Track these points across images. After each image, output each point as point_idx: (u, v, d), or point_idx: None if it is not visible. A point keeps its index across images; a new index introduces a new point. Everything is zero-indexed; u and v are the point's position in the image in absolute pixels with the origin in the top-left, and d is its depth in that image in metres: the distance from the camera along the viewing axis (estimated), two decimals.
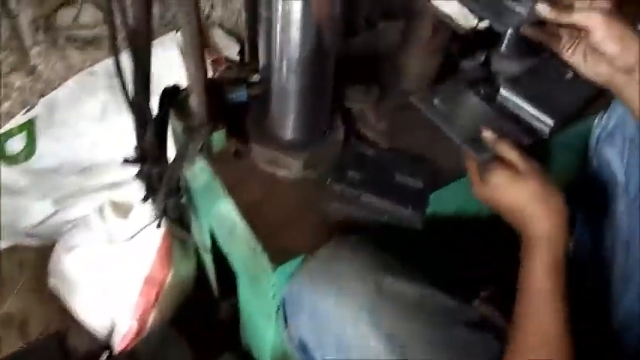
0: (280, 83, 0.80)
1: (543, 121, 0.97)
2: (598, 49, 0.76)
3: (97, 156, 1.43)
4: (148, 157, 0.95)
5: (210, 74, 1.65)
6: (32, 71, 1.48)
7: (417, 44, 0.96)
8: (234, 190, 0.86)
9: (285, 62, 0.77)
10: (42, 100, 1.50)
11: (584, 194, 1.16)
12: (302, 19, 0.71)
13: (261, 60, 0.81)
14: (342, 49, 1.03)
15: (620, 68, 0.76)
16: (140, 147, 0.94)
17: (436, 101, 1.00)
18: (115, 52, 0.77)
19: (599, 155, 1.09)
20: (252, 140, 0.88)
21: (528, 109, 0.98)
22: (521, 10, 0.82)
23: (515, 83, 1.01)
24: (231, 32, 1.74)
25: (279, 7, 0.70)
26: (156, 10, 1.57)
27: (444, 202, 0.94)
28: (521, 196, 0.77)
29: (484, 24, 0.81)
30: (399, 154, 0.95)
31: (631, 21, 0.77)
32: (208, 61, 1.64)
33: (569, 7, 0.78)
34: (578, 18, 0.76)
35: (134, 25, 0.75)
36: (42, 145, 1.45)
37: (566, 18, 0.77)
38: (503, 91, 1.01)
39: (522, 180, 0.77)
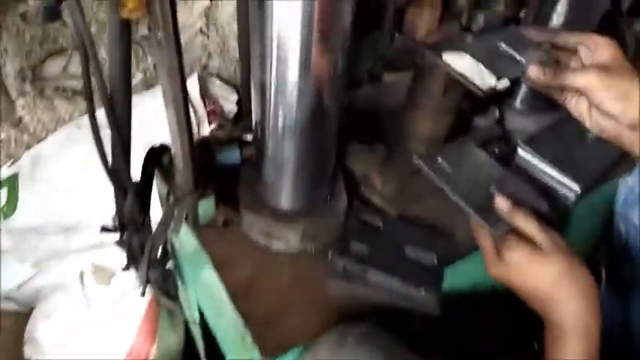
0: (275, 148, 0.72)
1: (568, 187, 0.88)
2: (600, 108, 0.69)
3: (80, 214, 1.34)
4: (128, 225, 0.85)
5: (207, 126, 1.58)
6: (18, 123, 1.40)
7: (426, 102, 0.87)
8: (222, 267, 0.76)
9: (280, 126, 0.68)
10: (27, 153, 1.43)
11: (612, 262, 1.06)
12: (299, 80, 0.62)
13: (254, 118, 0.72)
14: (343, 104, 0.95)
15: (626, 125, 0.68)
16: (119, 214, 0.85)
17: (440, 160, 0.86)
18: (92, 118, 0.68)
19: (626, 220, 1.00)
20: (243, 208, 0.79)
21: (551, 173, 0.89)
22: (522, 59, 0.75)
23: (533, 143, 0.93)
24: (229, 82, 1.69)
25: (274, 68, 0.62)
26: (150, 59, 1.51)
27: (459, 277, 0.83)
28: (545, 277, 0.67)
29: (504, 83, 0.72)
30: (409, 224, 0.85)
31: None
32: (205, 112, 1.57)
33: (564, 68, 0.72)
34: (573, 80, 0.69)
35: (112, 88, 0.67)
36: (24, 201, 1.36)
37: (560, 81, 0.70)
38: (521, 152, 0.92)
39: (545, 258, 0.67)
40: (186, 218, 0.80)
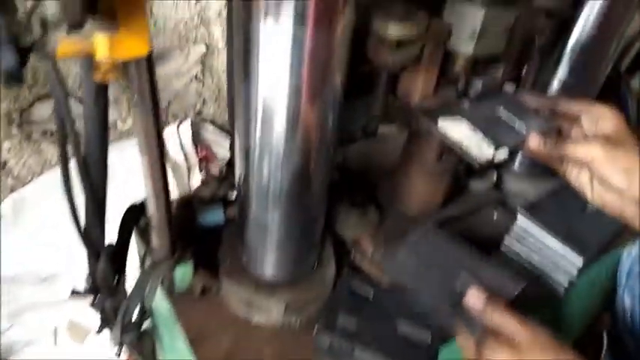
0: (258, 214, 0.67)
1: (570, 260, 0.83)
2: (604, 181, 0.65)
3: (60, 264, 1.28)
4: (101, 289, 0.80)
5: (197, 173, 1.54)
6: (3, 166, 1.36)
7: (420, 166, 0.84)
8: (197, 339, 0.70)
9: (263, 192, 0.64)
10: (10, 196, 1.38)
11: (615, 333, 1.00)
12: (285, 148, 0.59)
13: (237, 181, 0.68)
14: (333, 167, 0.92)
15: (630, 200, 0.64)
16: (92, 276, 0.79)
17: (402, 258, 0.77)
18: (66, 180, 0.64)
19: (632, 294, 0.94)
20: (222, 275, 0.74)
21: (552, 244, 0.84)
22: (522, 126, 0.72)
23: (533, 210, 0.88)
24: (223, 128, 1.66)
25: (258, 136, 0.59)
26: None
27: (456, 357, 0.77)
28: None
29: (502, 154, 0.69)
30: (402, 296, 0.80)
31: None
32: (197, 158, 1.54)
33: (566, 137, 0.69)
34: (575, 152, 0.65)
35: (87, 149, 0.63)
36: (4, 247, 1.30)
37: (562, 152, 0.66)
38: (521, 220, 0.88)
39: (525, 357, 0.62)
40: (162, 283, 0.75)
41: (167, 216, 0.65)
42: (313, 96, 0.56)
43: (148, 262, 0.73)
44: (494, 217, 0.93)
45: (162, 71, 1.48)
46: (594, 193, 0.69)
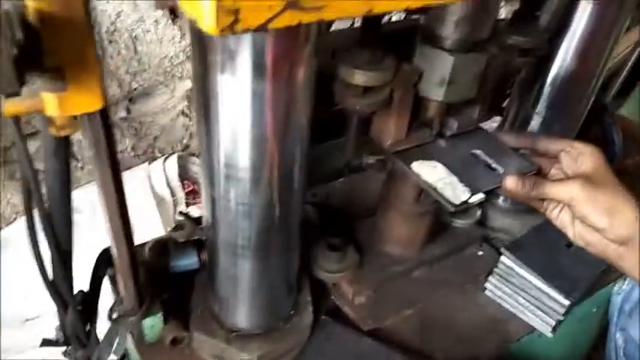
0: (227, 264, 0.65)
1: (557, 300, 0.80)
2: (585, 221, 0.63)
3: (42, 304, 1.25)
4: (71, 340, 0.77)
5: (184, 208, 1.52)
6: None
7: (399, 206, 0.82)
8: None
9: (231, 243, 0.62)
10: None
11: None
12: (250, 199, 0.57)
13: (205, 230, 0.66)
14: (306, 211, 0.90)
15: (612, 240, 0.63)
16: (62, 327, 0.77)
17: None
18: (32, 233, 0.62)
19: (624, 333, 0.91)
20: (193, 326, 0.71)
21: (537, 285, 0.82)
22: (499, 167, 0.71)
23: (518, 250, 0.86)
24: None
25: (221, 185, 0.57)
26: (128, 141, 1.48)
27: None
28: None
29: (478, 197, 0.67)
30: (383, 343, 0.77)
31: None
32: (183, 193, 1.53)
33: (545, 177, 0.68)
34: (555, 192, 0.64)
35: (50, 203, 0.61)
36: None
37: (541, 192, 0.65)
38: (505, 260, 0.85)
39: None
40: (131, 334, 0.73)
41: (131, 265, 0.63)
42: (276, 146, 0.54)
43: (116, 313, 0.71)
44: (479, 255, 0.91)
45: (148, 107, 1.48)
46: (576, 233, 0.67)
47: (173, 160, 1.49)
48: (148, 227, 1.32)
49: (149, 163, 1.48)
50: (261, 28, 0.34)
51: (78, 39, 0.44)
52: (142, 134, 1.48)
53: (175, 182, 1.48)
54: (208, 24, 0.32)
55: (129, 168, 1.49)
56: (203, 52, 0.48)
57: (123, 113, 1.41)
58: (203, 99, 0.52)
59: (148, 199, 1.41)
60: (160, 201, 1.41)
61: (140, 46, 1.35)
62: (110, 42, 1.33)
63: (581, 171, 0.65)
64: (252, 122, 0.51)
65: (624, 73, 1.28)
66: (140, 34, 1.34)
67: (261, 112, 0.51)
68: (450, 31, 0.63)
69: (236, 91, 0.49)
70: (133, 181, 1.46)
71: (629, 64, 1.24)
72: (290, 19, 0.34)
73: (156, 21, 1.34)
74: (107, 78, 1.36)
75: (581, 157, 0.66)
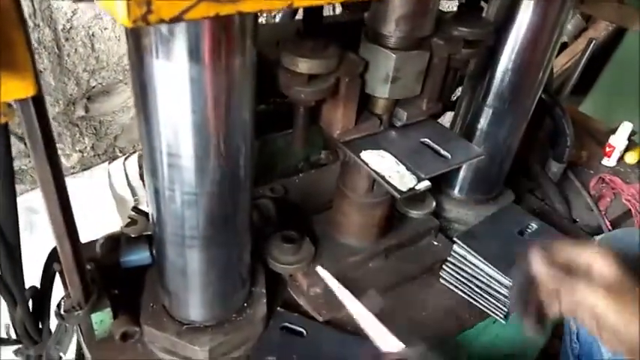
0: (174, 256, 0.65)
1: (508, 287, 0.82)
2: (614, 331, 0.60)
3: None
4: (22, 338, 0.76)
5: (146, 207, 1.50)
6: None
7: (352, 196, 0.82)
8: None
9: (178, 234, 0.62)
10: None
11: None
12: (195, 187, 0.57)
13: (151, 222, 0.66)
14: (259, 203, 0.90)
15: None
16: (13, 325, 0.75)
17: None
18: None
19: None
20: (143, 321, 0.70)
21: (489, 273, 0.84)
22: (447, 153, 0.72)
23: (471, 238, 0.87)
24: None
25: (165, 175, 0.57)
26: (88, 140, 1.45)
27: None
28: None
29: (424, 184, 0.68)
30: (339, 333, 0.77)
31: None
32: (144, 193, 1.50)
33: (569, 268, 0.62)
34: (581, 303, 0.60)
35: None
36: None
37: (567, 286, 0.60)
38: (458, 248, 0.87)
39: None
40: (80, 330, 0.71)
41: (75, 260, 0.62)
42: (219, 133, 0.54)
43: (63, 308, 0.70)
44: (434, 245, 0.92)
45: (107, 106, 1.46)
46: (605, 341, 0.62)
47: (134, 160, 1.47)
48: (108, 228, 1.30)
49: (109, 163, 1.45)
50: (176, 20, 0.34)
51: (5, 25, 0.44)
52: (102, 133, 1.46)
53: (137, 182, 1.46)
54: (121, 15, 0.32)
55: (89, 168, 1.46)
56: (136, 35, 0.48)
57: (81, 112, 1.38)
58: (140, 84, 0.51)
59: (108, 199, 1.38)
60: (120, 201, 1.38)
61: (98, 44, 1.33)
62: (67, 40, 1.30)
63: (600, 280, 0.60)
64: (191, 109, 0.51)
65: (579, 69, 1.32)
66: (97, 31, 1.32)
67: (200, 99, 0.51)
68: (391, 30, 0.65)
69: (171, 77, 0.49)
70: (93, 180, 1.44)
71: (583, 61, 1.28)
72: (206, 10, 0.34)
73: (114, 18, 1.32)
74: (64, 76, 1.34)
75: (594, 264, 0.61)
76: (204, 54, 0.48)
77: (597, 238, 1.02)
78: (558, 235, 0.95)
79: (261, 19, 1.41)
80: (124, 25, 0.33)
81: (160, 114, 0.52)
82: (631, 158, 1.31)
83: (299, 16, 0.89)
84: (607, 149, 1.31)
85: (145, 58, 0.48)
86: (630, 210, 1.17)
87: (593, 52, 1.27)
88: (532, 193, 1.18)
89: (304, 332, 0.77)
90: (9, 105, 0.52)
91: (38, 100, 0.50)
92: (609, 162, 1.31)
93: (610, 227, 1.11)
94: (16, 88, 0.46)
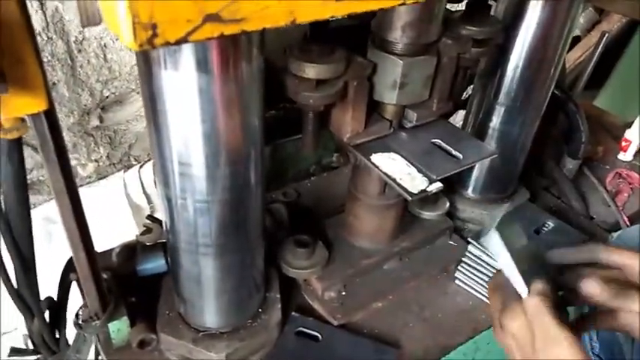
0: (190, 264, 0.65)
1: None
2: None
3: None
4: (40, 348, 0.77)
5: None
6: None
7: (364, 198, 0.82)
8: None
9: (192, 242, 0.62)
10: None
11: None
12: (207, 196, 0.57)
13: (165, 231, 0.66)
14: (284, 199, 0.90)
15: None
16: (30, 335, 0.76)
17: None
18: None
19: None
20: (159, 329, 0.71)
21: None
22: (459, 154, 0.72)
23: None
24: None
25: (177, 184, 0.57)
26: (103, 149, 1.47)
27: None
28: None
29: (436, 186, 0.67)
30: (354, 337, 0.77)
31: None
32: None
33: (628, 287, 0.60)
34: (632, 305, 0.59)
35: (8, 209, 0.60)
36: None
37: (622, 304, 0.60)
38: (473, 248, 0.86)
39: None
40: (98, 339, 0.72)
41: (91, 270, 0.63)
42: (229, 141, 0.55)
43: (80, 318, 0.71)
44: (449, 246, 0.92)
45: (121, 115, 1.48)
46: None
47: (149, 168, 1.49)
48: (125, 235, 1.32)
49: (124, 172, 1.47)
50: (182, 41, 0.34)
51: (16, 41, 0.45)
52: (117, 142, 1.47)
53: (152, 189, 1.47)
54: (127, 40, 0.32)
55: (105, 177, 1.48)
56: None
57: (96, 122, 1.40)
58: (149, 96, 0.52)
59: (125, 207, 1.40)
60: (136, 208, 1.40)
61: (110, 54, 1.35)
62: (79, 51, 1.32)
63: None
64: (201, 119, 0.52)
65: (592, 63, 1.30)
66: (109, 42, 1.34)
67: (209, 108, 0.51)
68: (397, 36, 0.65)
69: (180, 87, 0.49)
70: (109, 189, 1.45)
71: (596, 55, 1.26)
72: (211, 31, 0.35)
73: None
74: (78, 87, 1.36)
75: None
76: (212, 64, 0.48)
77: (615, 234, 1.00)
78: (575, 233, 0.94)
79: None
80: (132, 48, 0.33)
81: (170, 124, 0.53)
82: None
83: None
84: (623, 143, 1.28)
85: (153, 70, 0.49)
86: None
87: (606, 45, 1.25)
88: (547, 190, 1.16)
89: (319, 337, 0.77)
90: (22, 119, 0.53)
91: (50, 113, 0.51)
92: (626, 156, 1.28)
93: (628, 223, 1.09)
94: (28, 104, 0.47)
